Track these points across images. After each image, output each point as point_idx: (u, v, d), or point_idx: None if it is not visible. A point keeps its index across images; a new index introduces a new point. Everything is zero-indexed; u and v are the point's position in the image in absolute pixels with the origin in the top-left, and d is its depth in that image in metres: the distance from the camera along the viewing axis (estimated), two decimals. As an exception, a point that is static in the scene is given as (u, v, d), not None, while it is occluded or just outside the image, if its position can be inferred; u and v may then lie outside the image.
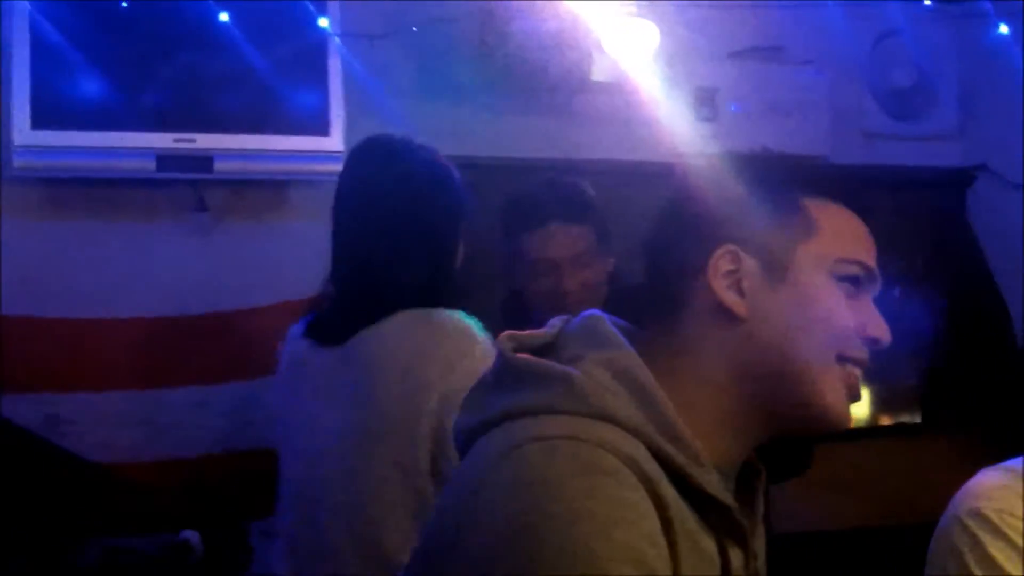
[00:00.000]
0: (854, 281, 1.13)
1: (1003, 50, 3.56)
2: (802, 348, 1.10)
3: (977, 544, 1.58)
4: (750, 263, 1.11)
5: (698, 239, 1.13)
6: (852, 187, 1.19)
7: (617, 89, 3.27)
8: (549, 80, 3.26)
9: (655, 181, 2.21)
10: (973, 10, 3.69)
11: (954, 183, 3.98)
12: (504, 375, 1.11)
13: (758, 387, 1.11)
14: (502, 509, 0.97)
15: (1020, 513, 1.59)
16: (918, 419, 4.04)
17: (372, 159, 2.07)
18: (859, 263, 1.14)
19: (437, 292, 1.97)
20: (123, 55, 2.97)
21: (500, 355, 1.13)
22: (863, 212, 1.18)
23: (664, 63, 3.27)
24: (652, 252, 1.18)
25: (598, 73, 3.27)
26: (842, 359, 1.12)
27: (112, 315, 3.07)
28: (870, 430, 3.98)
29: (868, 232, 1.17)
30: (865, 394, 3.96)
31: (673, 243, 1.15)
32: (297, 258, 3.27)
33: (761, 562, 1.17)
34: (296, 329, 2.14)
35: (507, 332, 1.15)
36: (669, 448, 1.04)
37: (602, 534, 0.93)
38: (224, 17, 2.94)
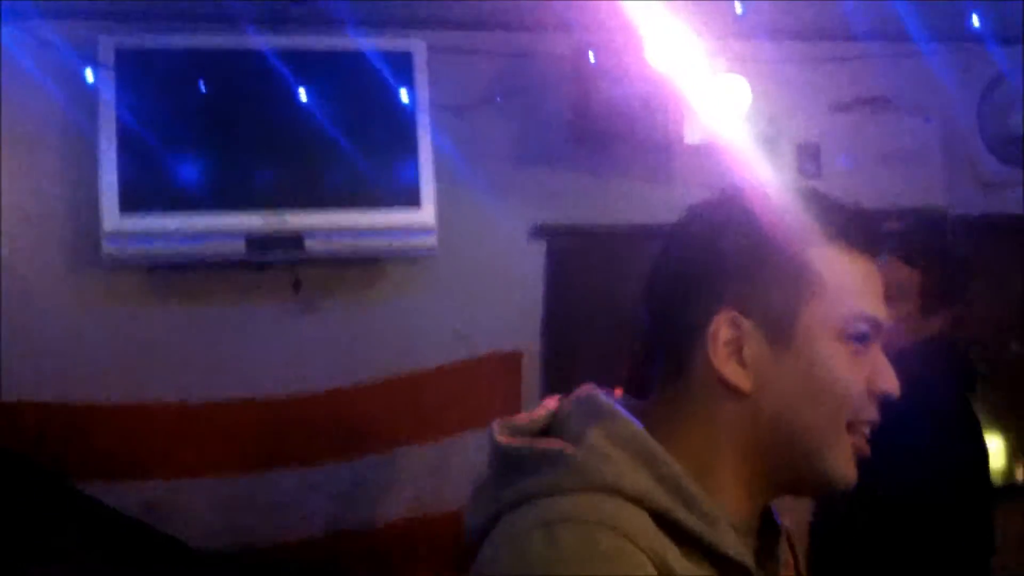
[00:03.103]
0: (862, 338, 1.06)
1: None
2: (810, 419, 1.05)
3: None
4: (752, 330, 1.04)
5: (700, 302, 1.06)
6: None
7: (712, 150, 3.19)
8: (640, 144, 3.19)
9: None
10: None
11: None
12: (501, 465, 1.06)
13: (770, 457, 1.06)
14: None
15: None
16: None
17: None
18: (867, 318, 1.06)
19: None
20: (208, 137, 2.99)
21: (494, 444, 1.07)
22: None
23: (761, 120, 3.19)
24: (655, 313, 1.11)
25: (691, 135, 3.20)
26: (852, 425, 1.06)
27: (212, 399, 3.06)
28: (1006, 490, 3.70)
29: (876, 273, 1.08)
30: (1001, 452, 3.71)
31: (676, 304, 1.08)
32: (395, 334, 3.25)
33: None
34: None
35: (498, 420, 1.10)
36: (680, 512, 1.00)
37: None
38: (303, 97, 2.94)
